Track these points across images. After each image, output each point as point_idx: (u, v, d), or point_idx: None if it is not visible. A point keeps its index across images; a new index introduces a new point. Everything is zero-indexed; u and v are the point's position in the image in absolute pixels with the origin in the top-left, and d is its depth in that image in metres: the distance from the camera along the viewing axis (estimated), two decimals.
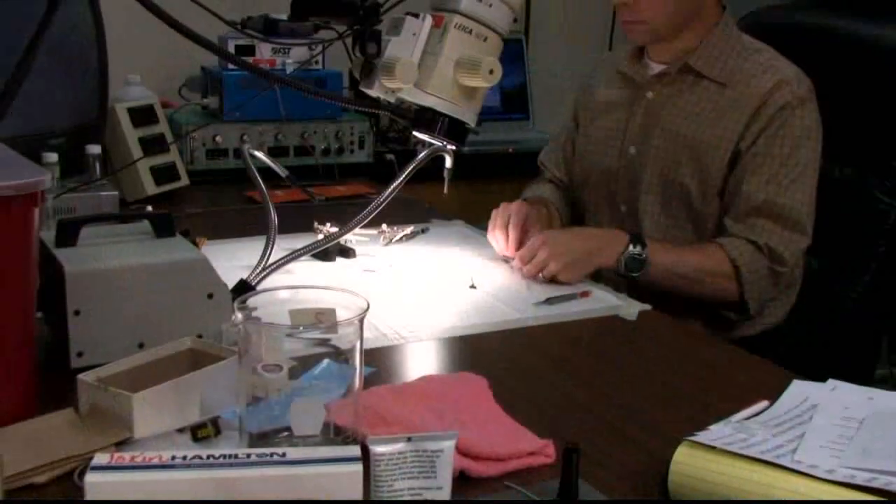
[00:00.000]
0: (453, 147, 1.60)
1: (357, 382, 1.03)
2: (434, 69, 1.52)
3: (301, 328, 1.02)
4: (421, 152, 1.63)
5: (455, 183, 1.74)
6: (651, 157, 1.87)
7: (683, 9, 1.79)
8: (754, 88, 1.78)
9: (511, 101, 3.12)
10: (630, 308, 1.58)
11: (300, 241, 1.73)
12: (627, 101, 1.94)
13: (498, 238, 1.80)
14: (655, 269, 1.72)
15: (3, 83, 1.29)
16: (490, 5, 1.53)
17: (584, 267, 1.71)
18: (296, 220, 1.90)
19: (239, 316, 1.01)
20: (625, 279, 1.74)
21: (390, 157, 2.63)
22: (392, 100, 1.56)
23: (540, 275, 1.69)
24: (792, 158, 1.76)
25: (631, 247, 1.71)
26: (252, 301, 1.05)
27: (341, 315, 1.04)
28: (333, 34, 1.64)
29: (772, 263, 1.74)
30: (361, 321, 1.01)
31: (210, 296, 1.27)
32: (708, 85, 1.83)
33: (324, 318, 1.04)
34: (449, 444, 0.90)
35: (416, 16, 1.53)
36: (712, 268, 1.74)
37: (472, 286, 1.66)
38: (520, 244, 1.76)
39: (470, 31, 1.53)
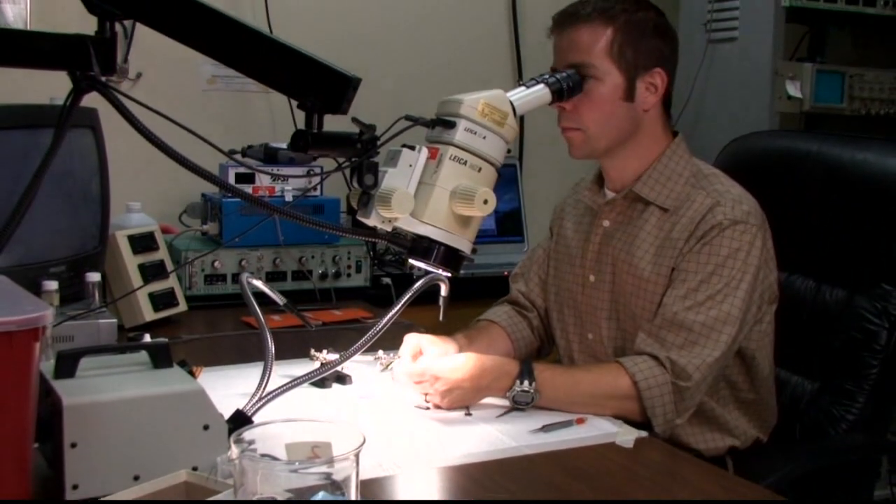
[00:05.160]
0: (448, 275, 1.62)
1: None
2: (430, 199, 1.55)
3: (297, 464, 1.02)
4: (417, 276, 1.65)
5: (451, 306, 1.76)
6: (607, 284, 1.89)
7: (621, 123, 1.81)
8: (693, 213, 1.79)
9: (506, 223, 3.16)
10: (626, 435, 1.57)
11: (297, 367, 1.75)
12: (587, 228, 1.96)
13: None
14: (546, 400, 1.69)
15: (6, 215, 1.31)
16: (484, 137, 1.58)
17: (468, 401, 1.70)
18: (293, 345, 1.92)
19: (235, 450, 1.01)
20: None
21: (387, 280, 2.66)
22: (389, 229, 1.59)
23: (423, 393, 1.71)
24: (715, 276, 1.74)
25: (518, 382, 1.68)
26: (248, 434, 1.06)
27: (337, 448, 1.05)
28: (332, 163, 1.68)
29: (675, 378, 1.70)
30: (357, 455, 1.01)
31: (206, 427, 1.27)
32: (654, 210, 1.84)
33: (320, 452, 1.04)
34: None
35: (413, 148, 1.57)
36: (609, 391, 1.71)
37: (468, 413, 1.67)
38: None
39: (465, 163, 1.57)
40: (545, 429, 1.59)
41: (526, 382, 1.68)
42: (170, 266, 2.24)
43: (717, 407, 1.84)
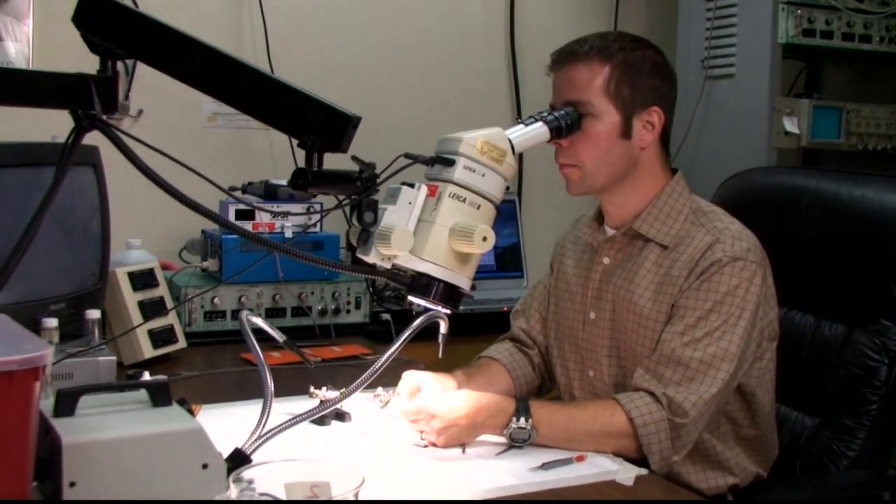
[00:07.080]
0: (448, 312, 1.62)
1: None
2: (429, 236, 1.56)
3: None
4: (416, 312, 1.65)
5: (450, 341, 1.76)
6: (607, 321, 1.89)
7: (617, 160, 1.82)
8: (693, 250, 1.79)
9: (505, 259, 3.17)
10: (627, 473, 1.57)
11: (296, 405, 1.74)
12: (587, 265, 1.97)
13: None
14: (543, 437, 1.69)
15: (7, 252, 1.32)
16: (483, 175, 1.59)
17: (465, 438, 1.69)
18: (292, 382, 1.91)
19: (234, 490, 1.01)
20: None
21: (386, 316, 2.66)
22: (388, 266, 1.60)
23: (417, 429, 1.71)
24: (713, 313, 1.74)
25: (514, 420, 1.68)
26: (247, 473, 1.05)
27: (337, 487, 1.05)
28: (332, 199, 1.69)
29: (671, 415, 1.70)
30: (357, 494, 1.01)
31: (205, 466, 1.26)
32: (653, 247, 1.85)
33: (319, 492, 1.04)
34: None
35: (412, 185, 1.58)
36: (605, 428, 1.70)
37: (464, 451, 1.67)
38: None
39: (464, 200, 1.57)
40: (545, 466, 1.58)
41: (522, 420, 1.67)
42: (169, 303, 2.25)
43: (719, 444, 1.84)
